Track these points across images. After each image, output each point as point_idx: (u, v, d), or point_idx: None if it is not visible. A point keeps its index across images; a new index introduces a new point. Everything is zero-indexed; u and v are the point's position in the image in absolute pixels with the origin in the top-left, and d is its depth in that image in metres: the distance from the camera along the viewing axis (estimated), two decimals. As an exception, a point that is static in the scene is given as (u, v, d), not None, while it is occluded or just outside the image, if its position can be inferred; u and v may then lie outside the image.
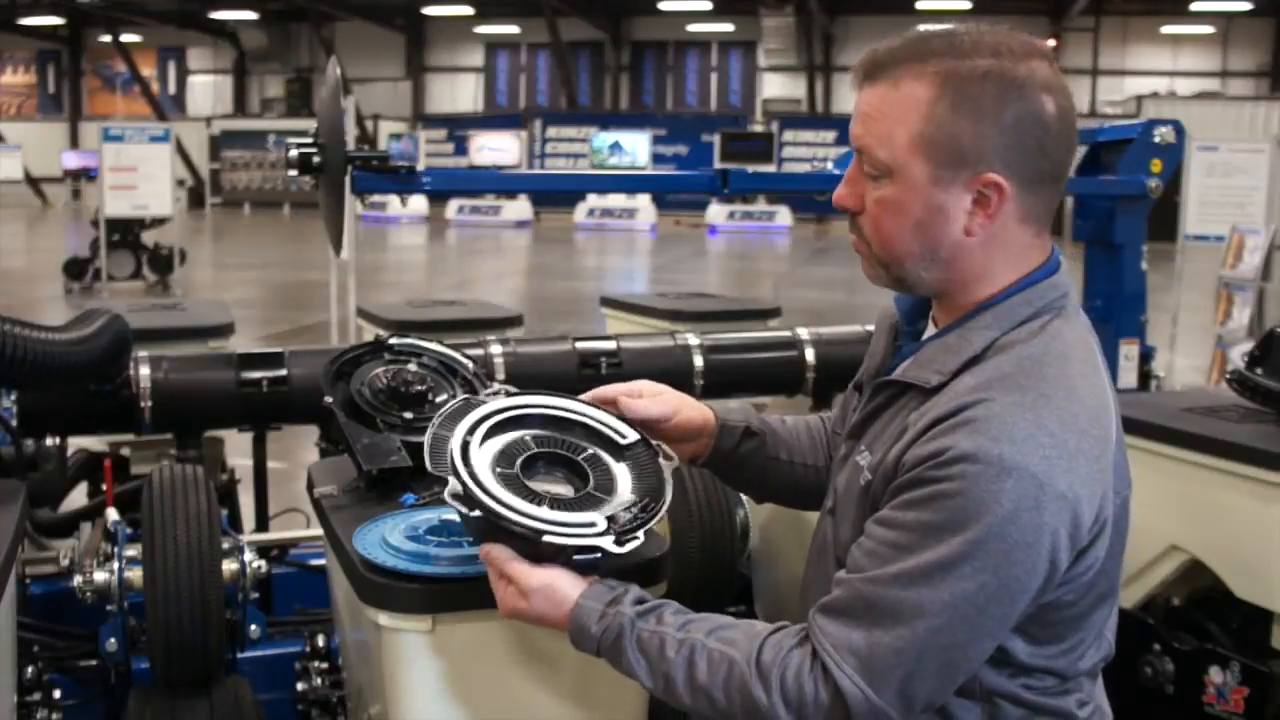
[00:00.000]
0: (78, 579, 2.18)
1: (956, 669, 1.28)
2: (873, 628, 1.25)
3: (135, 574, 2.15)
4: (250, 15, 30.95)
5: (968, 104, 1.30)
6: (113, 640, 2.24)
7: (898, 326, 1.54)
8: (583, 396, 1.61)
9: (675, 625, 1.36)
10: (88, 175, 23.78)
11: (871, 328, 1.67)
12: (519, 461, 1.47)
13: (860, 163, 1.38)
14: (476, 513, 1.38)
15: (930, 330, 1.47)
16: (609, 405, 1.59)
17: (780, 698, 1.27)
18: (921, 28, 1.38)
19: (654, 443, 1.54)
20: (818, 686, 1.26)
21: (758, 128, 28.46)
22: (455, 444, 1.44)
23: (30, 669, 2.29)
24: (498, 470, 1.44)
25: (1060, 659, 1.38)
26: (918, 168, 1.33)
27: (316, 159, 2.58)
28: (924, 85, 1.32)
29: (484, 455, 1.45)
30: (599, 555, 1.38)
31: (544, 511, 1.39)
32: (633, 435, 1.55)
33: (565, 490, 1.48)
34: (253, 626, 2.32)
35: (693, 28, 30.48)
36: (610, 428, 1.56)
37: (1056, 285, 1.40)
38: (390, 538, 1.59)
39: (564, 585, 1.38)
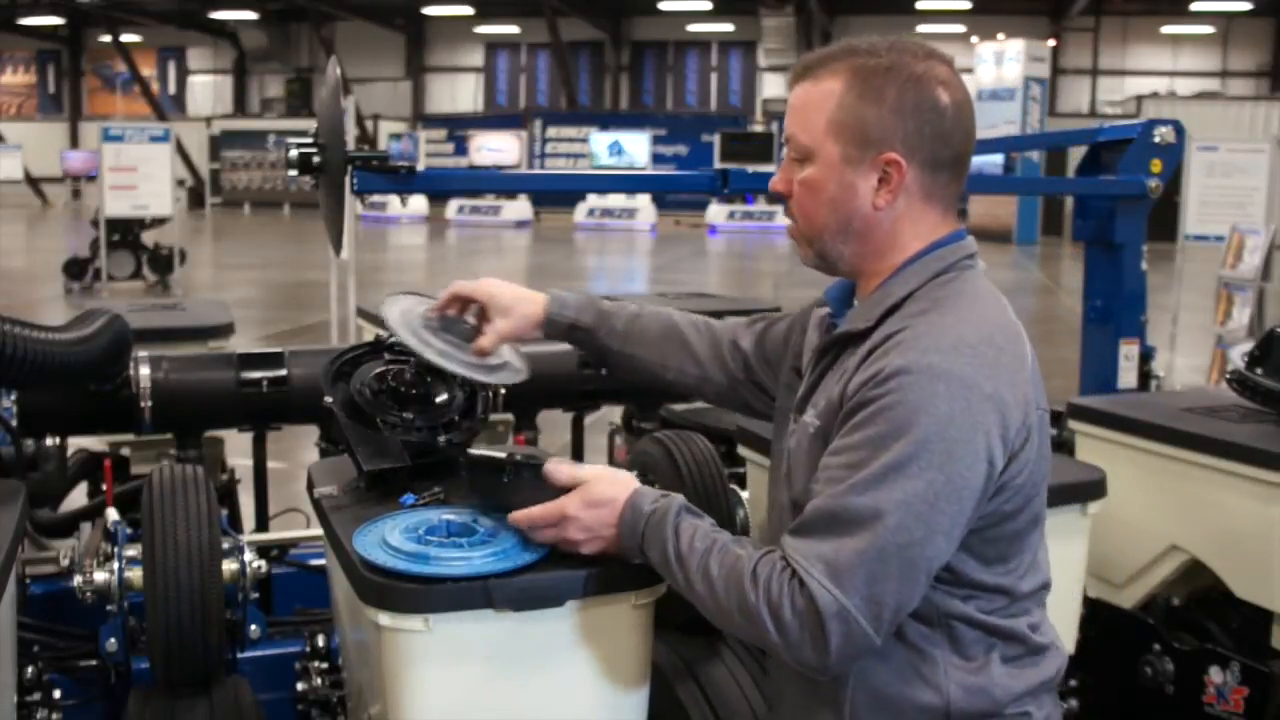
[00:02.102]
0: (78, 579, 2.18)
1: (916, 568, 1.38)
2: (836, 536, 1.38)
3: (135, 574, 2.15)
4: (250, 15, 30.96)
5: (871, 93, 1.50)
6: (113, 640, 2.24)
7: (826, 321, 1.68)
8: (439, 304, 1.90)
9: (710, 524, 1.54)
10: (89, 177, 23.78)
11: None
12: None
13: (790, 149, 1.59)
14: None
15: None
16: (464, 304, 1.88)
17: (765, 600, 1.40)
18: (844, 40, 1.58)
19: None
20: (794, 594, 1.39)
21: (758, 128, 28.46)
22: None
23: (30, 669, 2.28)
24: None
25: (1006, 577, 1.51)
26: (831, 149, 1.53)
27: (316, 159, 2.58)
28: (837, 79, 1.53)
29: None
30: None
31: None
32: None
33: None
34: (253, 626, 2.31)
35: (693, 28, 30.49)
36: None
37: (964, 247, 1.57)
38: (390, 538, 1.59)
39: (614, 479, 1.58)
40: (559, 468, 1.59)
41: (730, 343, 1.89)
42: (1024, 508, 1.48)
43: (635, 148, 26.01)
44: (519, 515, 1.58)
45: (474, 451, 1.69)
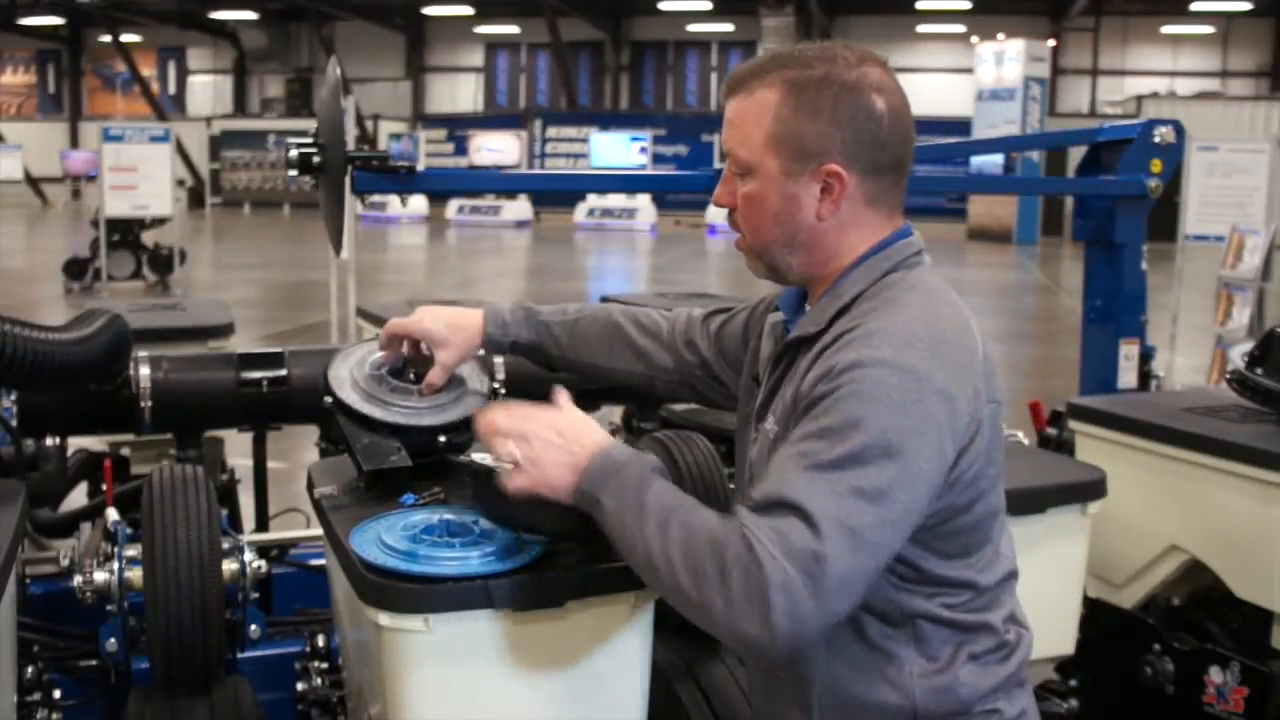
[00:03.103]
0: (78, 579, 2.18)
1: (865, 553, 1.34)
2: (788, 515, 1.35)
3: (135, 574, 2.15)
4: (250, 15, 30.96)
5: (807, 105, 1.50)
6: (113, 640, 2.24)
7: (780, 327, 1.68)
8: (382, 348, 1.96)
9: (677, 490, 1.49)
10: (89, 177, 23.78)
11: None
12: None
13: (730, 164, 1.58)
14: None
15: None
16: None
17: (714, 564, 1.36)
18: (774, 49, 1.60)
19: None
20: (743, 562, 1.34)
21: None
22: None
23: (30, 669, 2.28)
24: None
25: (967, 570, 1.51)
26: (771, 163, 1.52)
27: (316, 159, 2.58)
28: (771, 91, 1.52)
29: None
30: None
31: None
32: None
33: None
34: (253, 626, 2.31)
35: (693, 28, 30.49)
36: None
37: (910, 245, 1.57)
38: (390, 538, 1.59)
39: (591, 422, 1.55)
40: (559, 392, 1.58)
41: (685, 339, 1.90)
42: (977, 500, 1.49)
43: (614, 150, 26.07)
44: (483, 421, 1.54)
45: (474, 458, 1.63)
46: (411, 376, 1.94)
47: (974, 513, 1.49)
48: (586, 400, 3.21)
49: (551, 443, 1.49)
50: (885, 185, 1.54)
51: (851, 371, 1.39)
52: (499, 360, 2.88)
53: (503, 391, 1.86)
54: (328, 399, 1.92)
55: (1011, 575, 1.59)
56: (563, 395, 1.58)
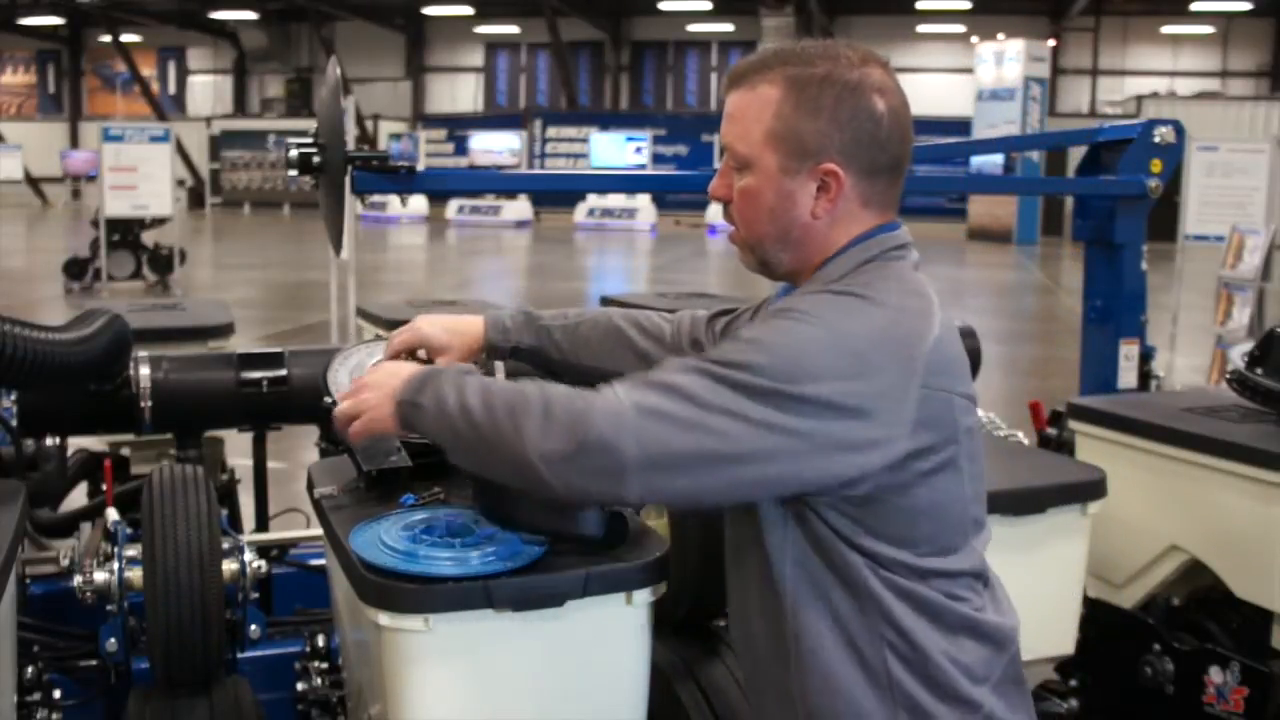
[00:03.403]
0: (78, 579, 2.18)
1: (699, 431, 1.37)
2: (657, 389, 1.40)
3: (135, 574, 2.15)
4: (250, 15, 30.96)
5: (808, 103, 1.51)
6: (113, 640, 2.24)
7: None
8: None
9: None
10: (89, 177, 23.78)
11: None
12: None
13: (728, 157, 1.59)
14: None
15: None
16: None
17: (542, 394, 1.42)
18: (776, 45, 1.58)
19: None
20: (579, 395, 1.41)
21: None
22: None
23: (30, 669, 2.28)
24: None
25: (915, 557, 1.48)
26: (769, 159, 1.53)
27: (316, 159, 2.58)
28: (773, 88, 1.53)
29: None
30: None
31: None
32: None
33: None
34: (253, 626, 2.31)
35: (693, 28, 30.48)
36: None
37: (894, 238, 1.57)
38: (390, 538, 1.59)
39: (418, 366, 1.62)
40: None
41: (690, 340, 1.89)
42: (913, 485, 1.45)
43: (611, 150, 26.10)
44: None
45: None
46: None
47: (912, 497, 1.45)
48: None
49: (377, 384, 1.58)
50: (881, 186, 1.55)
51: (790, 312, 1.45)
52: (499, 365, 2.88)
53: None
54: (327, 399, 1.92)
55: (974, 573, 1.54)
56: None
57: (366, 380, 1.62)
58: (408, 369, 1.59)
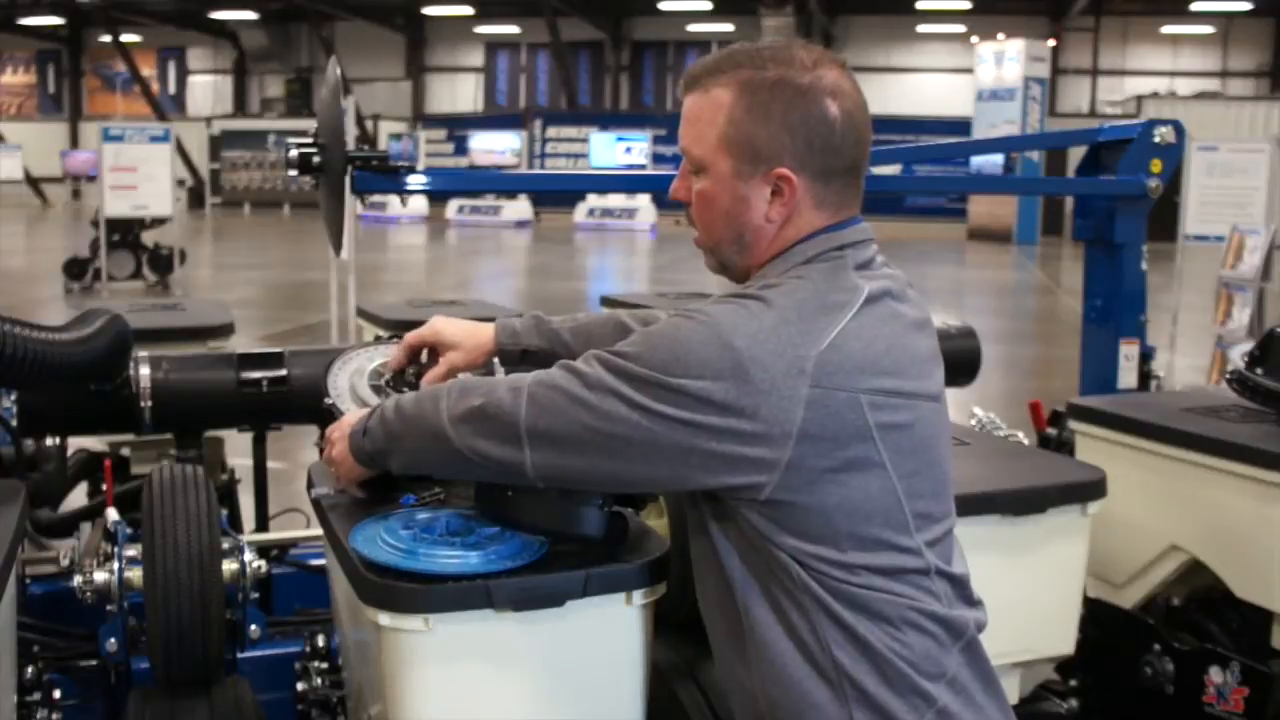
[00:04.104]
0: (78, 579, 2.18)
1: (581, 406, 1.46)
2: (553, 370, 1.51)
3: (135, 574, 2.15)
4: (250, 15, 30.97)
5: (759, 108, 1.51)
6: (113, 640, 2.24)
7: None
8: (395, 361, 1.97)
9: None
10: (89, 177, 23.77)
11: None
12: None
13: (686, 160, 1.60)
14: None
15: None
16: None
17: (458, 383, 1.58)
18: (731, 46, 1.57)
19: None
20: (490, 379, 1.57)
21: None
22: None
23: (30, 669, 2.28)
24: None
25: (837, 552, 1.46)
26: (723, 163, 1.55)
27: (316, 159, 2.58)
28: (725, 91, 1.53)
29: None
30: None
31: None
32: None
33: None
34: (253, 626, 2.32)
35: (693, 28, 30.49)
36: None
37: (837, 237, 1.55)
38: (390, 538, 1.59)
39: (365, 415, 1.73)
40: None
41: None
42: (816, 484, 1.44)
43: (604, 151, 26.10)
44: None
45: None
46: (412, 379, 1.94)
47: (820, 495, 1.44)
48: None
49: (340, 435, 1.72)
50: (836, 187, 1.55)
51: (685, 311, 1.48)
52: (499, 369, 2.88)
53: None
54: (327, 400, 1.93)
55: (925, 570, 1.51)
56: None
57: (332, 437, 1.75)
58: (354, 417, 1.72)
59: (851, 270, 1.53)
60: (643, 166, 24.80)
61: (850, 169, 1.55)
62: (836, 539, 1.46)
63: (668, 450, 1.44)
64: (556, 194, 26.29)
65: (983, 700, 1.53)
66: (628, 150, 26.08)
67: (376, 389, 1.94)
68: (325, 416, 1.94)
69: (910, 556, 1.50)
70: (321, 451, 1.85)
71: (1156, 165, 3.36)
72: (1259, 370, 2.64)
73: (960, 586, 1.56)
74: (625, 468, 1.47)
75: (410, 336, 1.93)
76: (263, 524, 3.25)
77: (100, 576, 2.18)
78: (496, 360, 1.94)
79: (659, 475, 1.48)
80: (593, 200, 25.86)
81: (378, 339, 2.09)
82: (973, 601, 1.58)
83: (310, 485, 1.92)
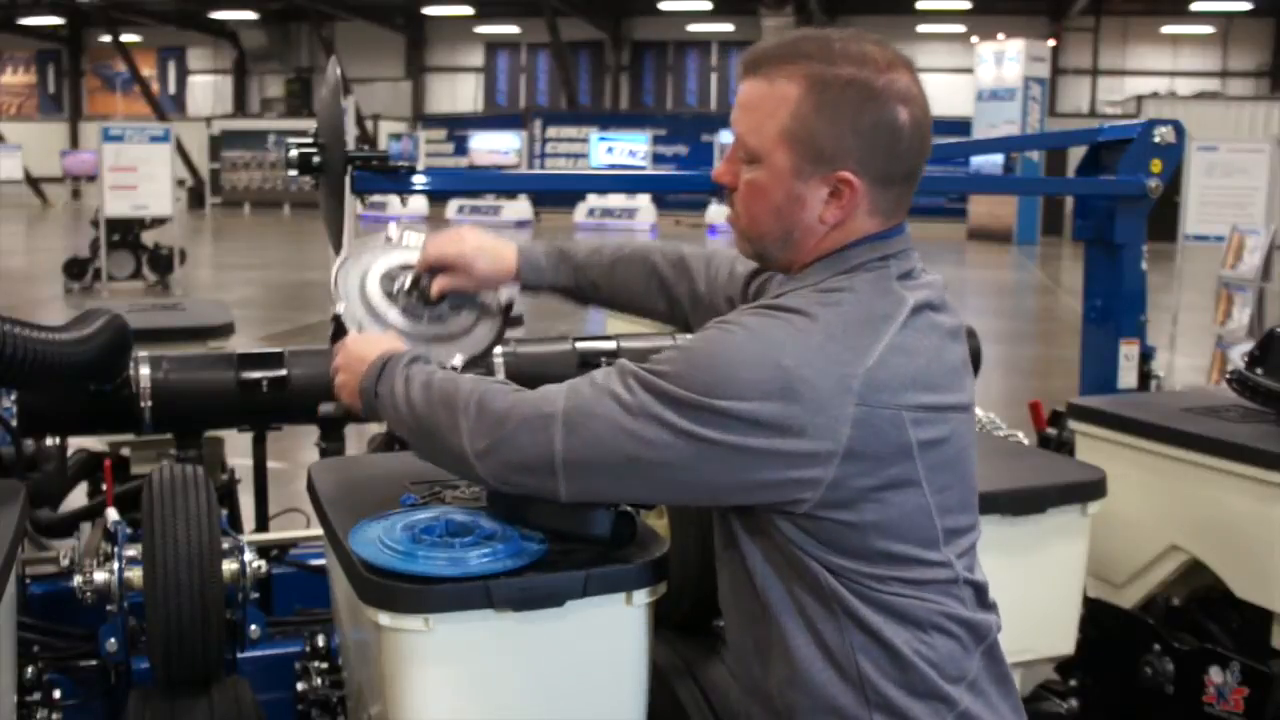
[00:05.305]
0: (78, 579, 2.18)
1: (623, 434, 1.40)
2: (585, 392, 1.44)
3: (135, 574, 2.15)
4: (250, 15, 30.96)
5: (829, 107, 1.45)
6: (113, 640, 2.24)
7: None
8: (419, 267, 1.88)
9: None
10: (89, 177, 23.77)
11: None
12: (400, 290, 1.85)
13: (736, 146, 1.54)
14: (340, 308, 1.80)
15: None
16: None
17: (476, 387, 1.51)
18: (798, 31, 1.53)
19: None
20: (514, 389, 1.49)
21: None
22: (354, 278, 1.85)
23: (30, 669, 2.28)
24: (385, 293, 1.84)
25: (870, 565, 1.44)
26: (781, 158, 1.48)
27: (316, 159, 2.58)
28: (794, 85, 1.46)
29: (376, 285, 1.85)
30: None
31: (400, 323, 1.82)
32: None
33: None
34: (253, 626, 2.32)
35: (693, 28, 30.48)
36: None
37: (883, 246, 1.51)
38: (389, 538, 1.59)
39: (388, 341, 1.71)
40: (390, 331, 1.79)
41: (725, 295, 1.86)
42: (857, 503, 1.41)
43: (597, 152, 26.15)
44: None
45: None
46: (426, 289, 1.86)
47: (859, 513, 1.42)
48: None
49: (348, 366, 1.68)
50: (892, 194, 1.51)
51: (725, 324, 1.44)
52: (498, 360, 2.88)
53: (517, 316, 1.93)
54: (339, 307, 1.84)
55: (952, 580, 1.50)
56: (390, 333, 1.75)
57: (340, 361, 1.70)
58: (374, 350, 1.65)
59: (895, 281, 1.50)
60: (641, 167, 24.79)
61: (909, 177, 1.52)
62: (869, 554, 1.44)
63: (711, 474, 1.40)
64: (556, 194, 26.28)
65: (998, 701, 1.53)
66: (609, 150, 26.08)
67: (389, 295, 1.85)
68: (334, 327, 1.85)
69: (939, 569, 1.48)
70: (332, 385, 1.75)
71: (1156, 165, 3.36)
72: (1259, 370, 2.64)
73: (981, 592, 1.55)
74: (665, 492, 1.45)
75: (433, 249, 1.86)
76: (263, 524, 3.25)
77: (100, 576, 2.18)
78: (516, 289, 1.90)
79: (699, 497, 1.47)
80: (593, 200, 25.83)
81: (388, 240, 1.97)
82: (990, 605, 1.58)
83: (310, 485, 1.92)
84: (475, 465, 1.48)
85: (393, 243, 1.95)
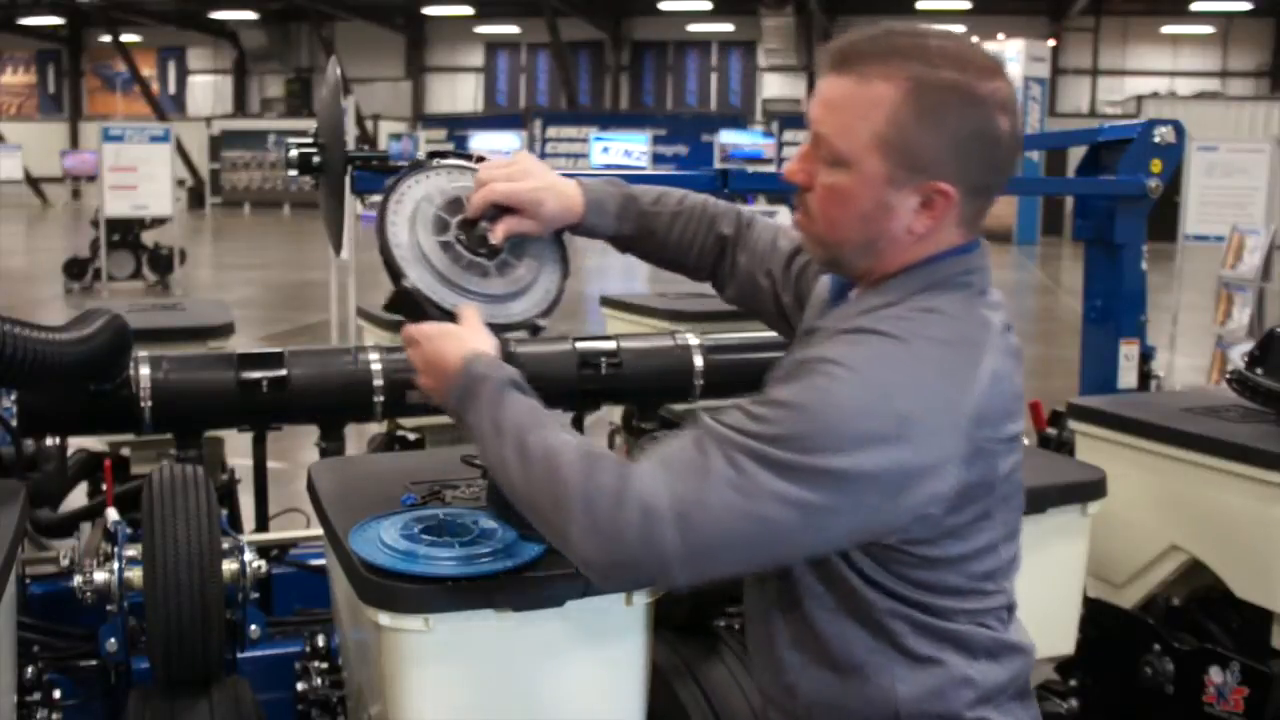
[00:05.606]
0: (78, 579, 2.18)
1: (749, 520, 1.28)
2: (686, 450, 1.31)
3: (135, 574, 2.15)
4: (250, 15, 30.96)
5: (930, 115, 1.36)
6: (113, 640, 2.24)
7: (830, 291, 1.60)
8: (474, 209, 1.66)
9: (537, 403, 1.45)
10: (89, 177, 23.77)
11: None
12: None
13: (815, 144, 1.43)
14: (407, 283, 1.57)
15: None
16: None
17: (583, 475, 1.32)
18: (889, 25, 1.42)
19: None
20: (616, 476, 1.31)
21: (758, 128, 28.48)
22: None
23: (30, 669, 2.28)
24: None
25: (941, 598, 1.41)
26: (874, 164, 1.38)
27: (316, 159, 2.58)
28: (892, 87, 1.36)
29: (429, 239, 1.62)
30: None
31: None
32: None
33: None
34: (253, 626, 2.32)
35: (693, 28, 30.49)
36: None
37: (963, 261, 1.45)
38: (389, 538, 1.59)
39: (475, 336, 1.53)
40: (467, 308, 1.57)
41: (765, 270, 1.78)
42: (947, 538, 1.38)
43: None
44: (406, 327, 1.57)
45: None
46: (485, 231, 1.64)
47: (941, 548, 1.38)
48: (586, 400, 3.21)
49: (431, 368, 1.51)
50: (980, 204, 1.45)
51: (823, 364, 1.32)
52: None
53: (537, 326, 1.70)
54: (405, 282, 1.59)
55: (1007, 607, 1.49)
56: (466, 311, 1.56)
57: (418, 360, 1.54)
58: (454, 352, 1.49)
59: (979, 299, 1.45)
60: (640, 168, 24.81)
61: (999, 187, 1.45)
62: (934, 588, 1.41)
63: (834, 532, 1.34)
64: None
65: (1021, 715, 1.51)
66: (605, 150, 26.04)
67: (444, 245, 1.62)
68: (396, 298, 1.63)
69: (995, 598, 1.47)
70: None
71: (1156, 165, 3.36)
72: (1259, 370, 2.64)
73: (1013, 611, 1.53)
74: (788, 557, 1.39)
75: (496, 191, 1.64)
76: (263, 524, 3.25)
77: (100, 576, 2.18)
78: (579, 232, 1.73)
79: (819, 552, 1.39)
80: (593, 200, 25.83)
81: (433, 156, 1.76)
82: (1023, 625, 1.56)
83: (311, 485, 1.92)
84: (583, 567, 1.37)
85: (446, 162, 1.74)
